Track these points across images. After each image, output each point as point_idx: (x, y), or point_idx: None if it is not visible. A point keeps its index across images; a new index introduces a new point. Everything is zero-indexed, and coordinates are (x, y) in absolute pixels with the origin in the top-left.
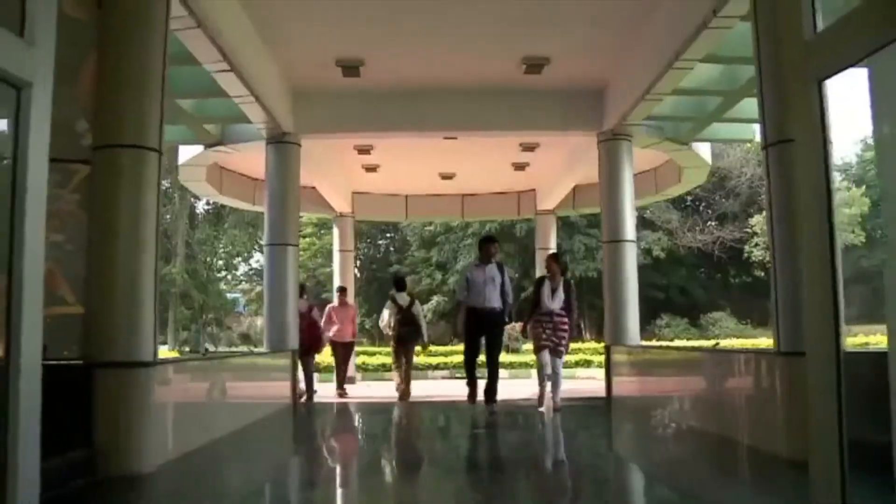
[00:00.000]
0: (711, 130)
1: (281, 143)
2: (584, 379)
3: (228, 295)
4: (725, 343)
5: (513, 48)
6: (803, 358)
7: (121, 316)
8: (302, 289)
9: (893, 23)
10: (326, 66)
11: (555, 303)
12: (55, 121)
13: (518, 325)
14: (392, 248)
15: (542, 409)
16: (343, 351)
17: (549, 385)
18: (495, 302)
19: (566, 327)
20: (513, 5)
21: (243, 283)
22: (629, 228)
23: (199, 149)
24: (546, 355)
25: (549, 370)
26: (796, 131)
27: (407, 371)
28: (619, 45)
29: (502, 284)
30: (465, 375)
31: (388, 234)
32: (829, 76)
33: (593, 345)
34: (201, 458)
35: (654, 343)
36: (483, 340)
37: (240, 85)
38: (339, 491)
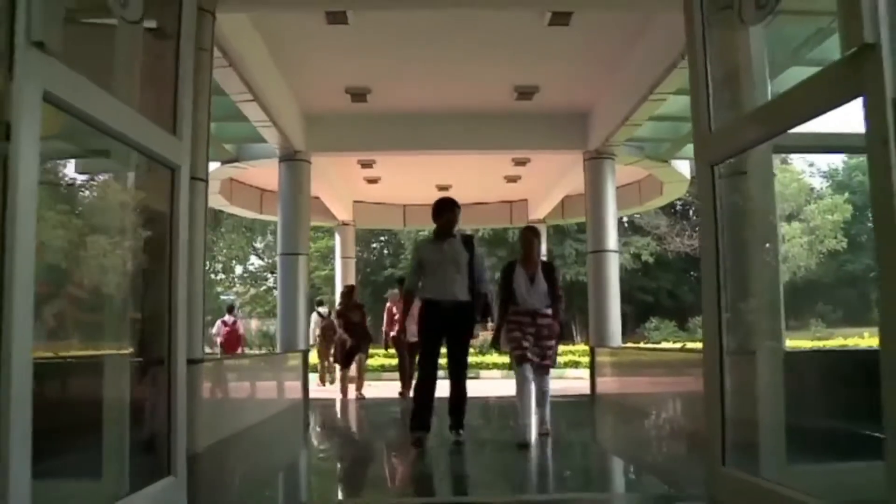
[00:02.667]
0: (688, 150)
1: (293, 161)
2: (573, 379)
3: (223, 297)
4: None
5: (506, 78)
6: (744, 357)
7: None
8: (231, 308)
9: (756, 133)
10: (337, 94)
11: (535, 296)
12: None
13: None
14: (386, 252)
15: (525, 441)
16: (409, 350)
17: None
18: (461, 292)
19: (552, 335)
20: (506, 41)
21: (238, 285)
22: (612, 240)
23: (215, 165)
24: (528, 370)
25: (532, 395)
26: (699, 193)
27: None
28: (601, 78)
29: (471, 266)
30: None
31: (382, 238)
32: (718, 163)
33: (583, 347)
34: (239, 442)
35: (632, 345)
36: (444, 345)
37: (260, 111)
38: (351, 465)
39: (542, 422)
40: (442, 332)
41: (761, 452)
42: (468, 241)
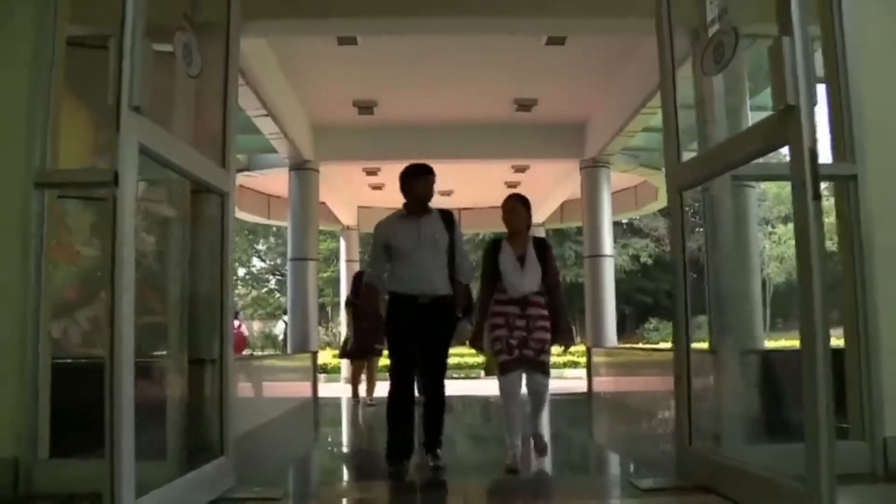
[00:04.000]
0: None
1: (302, 170)
2: (572, 378)
3: None
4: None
5: (506, 91)
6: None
7: (203, 324)
8: (236, 314)
9: (713, 167)
10: (345, 106)
11: (525, 279)
12: None
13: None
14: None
15: (514, 465)
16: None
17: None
18: (442, 284)
19: (546, 322)
20: (506, 58)
21: (240, 287)
22: (607, 245)
23: None
24: (514, 382)
25: (519, 412)
26: (671, 214)
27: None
28: (597, 91)
29: (451, 249)
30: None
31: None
32: (684, 189)
33: (580, 347)
34: (258, 436)
35: (626, 345)
36: (419, 345)
37: (273, 125)
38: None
39: (534, 433)
40: (416, 335)
41: (723, 435)
42: (448, 217)
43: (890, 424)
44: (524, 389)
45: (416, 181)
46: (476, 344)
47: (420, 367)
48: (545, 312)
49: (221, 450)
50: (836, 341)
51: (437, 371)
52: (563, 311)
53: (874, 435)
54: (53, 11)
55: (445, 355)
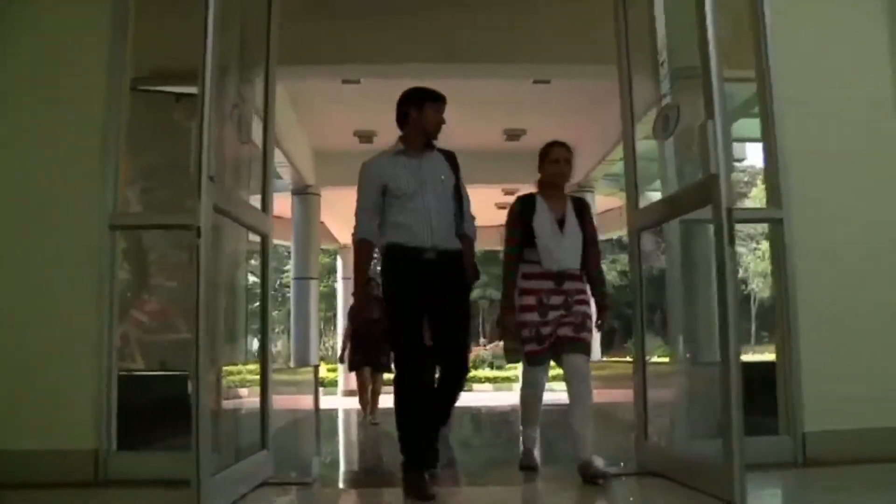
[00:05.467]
0: (656, 185)
1: (305, 195)
2: (560, 391)
3: None
4: None
5: (496, 122)
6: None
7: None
8: None
9: (661, 215)
10: (346, 136)
11: (565, 247)
12: None
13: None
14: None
15: (530, 461)
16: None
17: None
18: (450, 236)
19: (587, 296)
20: (497, 94)
21: None
22: None
23: None
24: (540, 374)
25: (537, 401)
26: (630, 252)
27: None
28: (580, 123)
29: (457, 193)
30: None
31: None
32: (641, 231)
33: None
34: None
35: (612, 359)
36: (429, 317)
37: (279, 154)
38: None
39: (583, 461)
40: (424, 299)
41: (675, 433)
42: (452, 158)
43: (808, 422)
44: (547, 389)
45: (429, 108)
46: (508, 320)
47: (435, 347)
48: (585, 287)
49: (262, 444)
50: (771, 356)
51: (455, 349)
52: (601, 282)
53: (796, 430)
54: (124, 61)
55: (466, 328)
